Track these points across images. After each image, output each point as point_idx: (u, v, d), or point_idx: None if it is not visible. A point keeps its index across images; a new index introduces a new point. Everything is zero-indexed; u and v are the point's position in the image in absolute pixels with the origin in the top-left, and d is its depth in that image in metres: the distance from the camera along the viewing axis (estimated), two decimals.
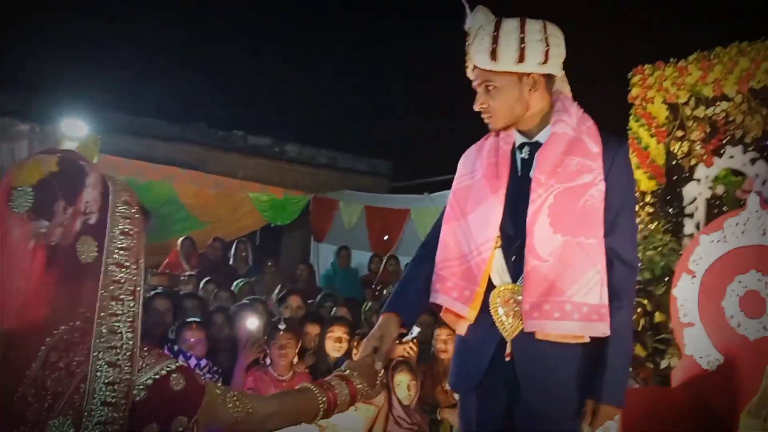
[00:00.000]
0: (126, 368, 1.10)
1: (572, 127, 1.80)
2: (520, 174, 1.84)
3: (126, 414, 1.09)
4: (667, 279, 4.09)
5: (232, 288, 5.67)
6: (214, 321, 4.04)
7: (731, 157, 4.58)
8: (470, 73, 1.86)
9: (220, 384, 1.32)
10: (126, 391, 1.09)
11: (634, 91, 5.49)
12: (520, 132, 1.87)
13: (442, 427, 3.70)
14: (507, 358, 1.81)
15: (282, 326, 3.41)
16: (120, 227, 1.16)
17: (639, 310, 3.46)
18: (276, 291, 5.37)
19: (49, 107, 7.90)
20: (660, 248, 4.42)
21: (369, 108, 14.34)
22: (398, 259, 8.17)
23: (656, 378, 3.51)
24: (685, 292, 3.61)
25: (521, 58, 1.73)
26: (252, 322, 3.61)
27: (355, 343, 3.32)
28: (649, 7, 9.97)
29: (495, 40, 1.73)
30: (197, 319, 3.77)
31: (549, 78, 1.83)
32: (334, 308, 4.74)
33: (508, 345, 1.81)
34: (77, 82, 10.92)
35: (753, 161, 4.46)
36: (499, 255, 1.83)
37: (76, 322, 1.08)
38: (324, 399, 1.47)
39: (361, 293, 7.16)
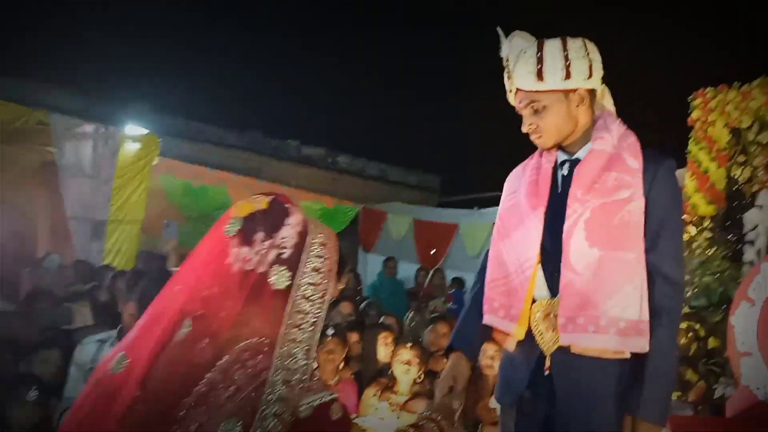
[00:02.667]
0: (297, 389, 1.22)
1: (612, 144, 1.82)
2: (560, 191, 1.86)
3: (288, 427, 1.20)
4: (724, 306, 3.96)
5: None
6: None
7: None
8: (512, 98, 1.89)
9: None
10: (293, 409, 1.21)
11: (695, 114, 5.36)
12: (563, 150, 1.90)
13: None
14: (546, 372, 1.81)
15: (330, 332, 3.44)
16: (312, 264, 1.30)
17: (690, 334, 3.35)
18: None
19: (112, 110, 8.21)
20: (718, 274, 4.29)
21: (420, 122, 14.40)
22: (444, 273, 8.14)
23: (711, 408, 3.40)
24: (743, 321, 3.48)
25: (567, 75, 1.77)
26: None
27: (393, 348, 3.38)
28: (711, 30, 9.76)
29: (540, 60, 1.77)
30: None
31: (592, 94, 1.86)
32: (382, 317, 4.77)
33: (547, 359, 1.82)
34: (139, 86, 11.32)
35: None
36: (539, 271, 1.85)
37: (262, 338, 1.23)
38: None
39: (406, 304, 7.16)
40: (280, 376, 1.20)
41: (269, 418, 1.18)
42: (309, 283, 1.28)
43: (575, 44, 1.79)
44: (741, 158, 5.06)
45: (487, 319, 1.92)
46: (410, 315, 5.22)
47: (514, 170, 2.04)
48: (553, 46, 1.79)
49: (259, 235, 1.28)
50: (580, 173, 1.81)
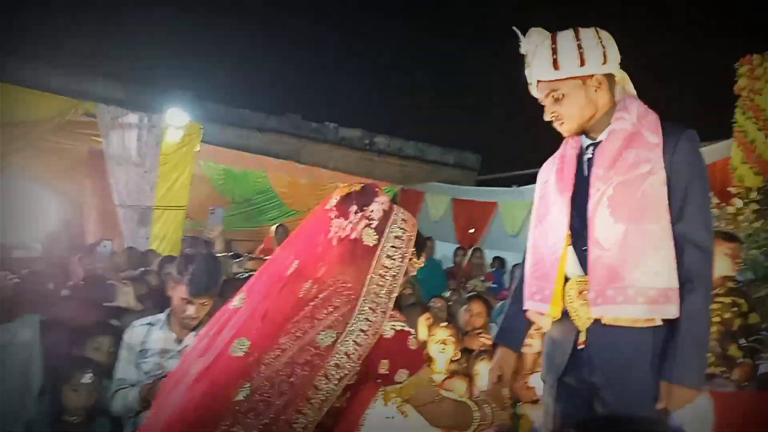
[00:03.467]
0: (380, 315, 1.57)
1: (632, 123, 1.88)
2: (586, 174, 1.93)
3: (371, 343, 1.54)
4: None
5: None
6: None
7: None
8: (534, 91, 1.99)
9: None
10: (376, 330, 1.56)
11: (741, 82, 5.20)
12: (587, 135, 1.99)
13: (521, 422, 3.67)
14: (580, 347, 1.89)
15: None
16: (394, 234, 1.65)
17: (735, 309, 3.29)
18: None
19: (156, 98, 8.38)
20: (765, 248, 4.18)
21: (457, 101, 14.29)
22: (483, 252, 8.10)
23: (756, 384, 3.34)
24: None
25: (582, 62, 1.87)
26: None
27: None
28: None
29: (554, 51, 1.88)
30: None
31: (610, 78, 1.93)
32: (432, 299, 4.81)
33: (582, 334, 1.90)
34: (181, 75, 11.52)
35: None
36: (571, 251, 1.93)
37: (353, 284, 1.59)
38: (478, 413, 1.79)
39: (445, 284, 7.16)
40: (367, 305, 1.56)
41: (357, 332, 1.53)
42: (391, 246, 1.62)
43: (587, 33, 1.89)
44: None
45: (527, 304, 2.04)
46: (447, 294, 5.22)
47: (546, 161, 2.13)
48: (565, 36, 1.89)
49: (353, 209, 1.64)
50: (601, 153, 1.89)
